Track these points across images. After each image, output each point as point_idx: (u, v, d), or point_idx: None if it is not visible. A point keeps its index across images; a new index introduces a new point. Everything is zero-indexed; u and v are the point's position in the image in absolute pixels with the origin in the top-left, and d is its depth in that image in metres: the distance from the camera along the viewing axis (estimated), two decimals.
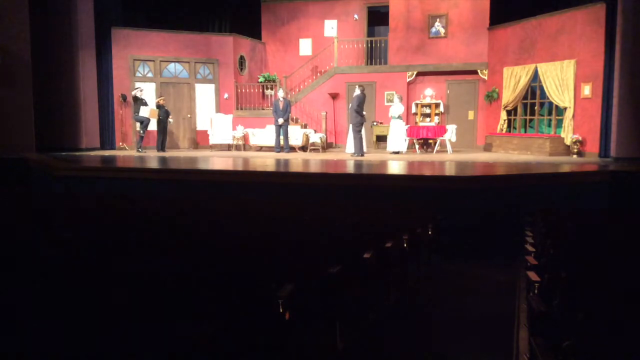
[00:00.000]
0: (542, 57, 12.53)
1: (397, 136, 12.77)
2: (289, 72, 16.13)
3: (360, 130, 12.05)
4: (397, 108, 12.76)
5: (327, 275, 2.83)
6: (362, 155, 12.00)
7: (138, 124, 13.57)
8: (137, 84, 14.55)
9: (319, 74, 16.17)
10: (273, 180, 8.62)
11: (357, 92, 12.07)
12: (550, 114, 12.82)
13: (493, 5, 14.02)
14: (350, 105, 12.39)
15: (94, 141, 14.06)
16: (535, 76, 12.79)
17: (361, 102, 11.97)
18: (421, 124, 13.91)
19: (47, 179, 9.91)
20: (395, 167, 9.93)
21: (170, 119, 14.09)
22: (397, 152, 12.65)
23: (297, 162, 10.98)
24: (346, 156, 12.16)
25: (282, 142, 13.25)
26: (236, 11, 16.42)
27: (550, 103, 12.60)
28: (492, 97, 13.99)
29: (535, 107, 13.11)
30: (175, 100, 14.96)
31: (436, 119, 14.22)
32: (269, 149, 13.72)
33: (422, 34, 14.76)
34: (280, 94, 13.18)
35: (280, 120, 12.93)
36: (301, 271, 2.81)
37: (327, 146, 14.18)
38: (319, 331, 2.80)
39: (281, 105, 12.95)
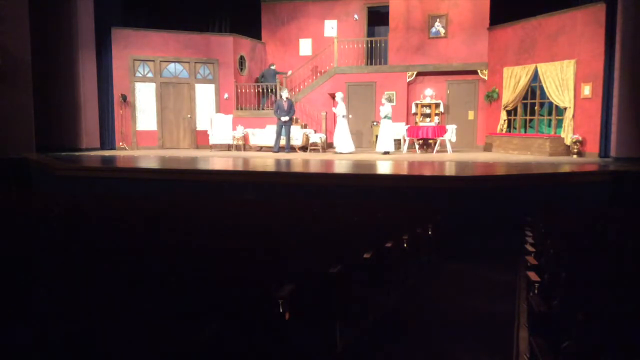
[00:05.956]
0: (542, 57, 12.53)
1: (385, 136, 12.75)
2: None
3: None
4: (385, 109, 12.75)
5: (327, 275, 2.84)
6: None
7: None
8: (137, 84, 14.57)
9: (319, 74, 16.17)
10: (273, 180, 8.62)
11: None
12: (550, 114, 12.82)
13: (493, 5, 14.02)
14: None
15: (94, 141, 14.05)
16: (535, 76, 12.79)
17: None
18: (421, 124, 13.90)
19: (47, 179, 9.91)
20: (395, 167, 9.93)
21: None
22: (387, 152, 12.64)
23: (297, 162, 10.98)
24: (346, 156, 12.17)
25: (282, 143, 13.24)
26: (236, 11, 16.41)
27: (550, 103, 12.60)
28: (492, 97, 13.99)
29: (535, 107, 13.10)
30: (175, 100, 14.97)
31: (436, 119, 14.22)
32: (269, 149, 13.71)
33: (422, 34, 14.76)
34: (284, 94, 13.19)
35: (286, 118, 12.93)
36: (301, 271, 2.81)
37: (327, 146, 14.17)
38: (319, 331, 2.80)
39: (285, 105, 12.97)
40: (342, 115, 12.92)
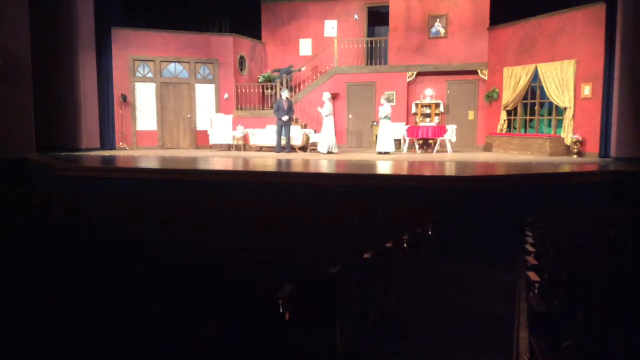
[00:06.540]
0: (542, 57, 12.53)
1: (385, 136, 12.76)
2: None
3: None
4: (384, 109, 12.76)
5: (327, 275, 2.84)
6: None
7: None
8: (137, 84, 14.56)
9: (319, 74, 16.16)
10: (273, 180, 8.62)
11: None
12: (550, 114, 12.82)
13: (493, 5, 14.02)
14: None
15: (94, 141, 14.05)
16: (535, 76, 12.79)
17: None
18: (421, 124, 13.91)
19: (47, 179, 9.91)
20: (395, 167, 9.93)
21: None
22: (387, 152, 12.64)
23: (297, 162, 10.98)
24: (346, 156, 12.17)
25: (283, 143, 13.25)
26: (236, 11, 16.41)
27: (550, 103, 12.60)
28: (492, 97, 13.99)
29: (535, 107, 13.10)
30: (175, 100, 14.97)
31: (436, 119, 14.22)
32: (269, 149, 13.72)
33: (422, 34, 14.76)
34: (284, 94, 13.20)
35: (285, 117, 12.94)
36: (301, 271, 2.81)
37: None
38: (319, 331, 2.80)
39: (285, 105, 13.00)
40: (325, 115, 12.94)
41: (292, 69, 15.85)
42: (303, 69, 16.03)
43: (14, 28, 11.33)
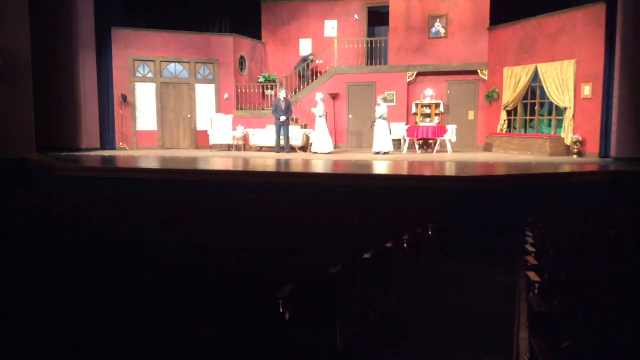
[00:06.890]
0: (542, 57, 12.53)
1: (381, 137, 12.76)
2: (289, 72, 16.13)
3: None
4: (380, 109, 12.78)
5: (327, 275, 2.83)
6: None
7: None
8: (137, 84, 14.56)
9: (319, 74, 16.16)
10: (273, 180, 8.62)
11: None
12: (550, 114, 12.82)
13: (493, 5, 14.01)
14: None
15: (94, 141, 14.06)
16: (535, 76, 12.79)
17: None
18: (421, 124, 13.91)
19: (47, 179, 9.91)
20: (395, 167, 9.93)
21: None
22: (386, 152, 12.64)
23: (297, 162, 10.99)
24: (346, 156, 12.17)
25: (282, 143, 13.27)
26: (236, 11, 16.41)
27: (550, 103, 12.60)
28: (492, 97, 13.99)
29: (535, 107, 13.10)
30: (175, 100, 14.97)
31: (436, 119, 14.21)
32: (269, 149, 13.73)
33: (422, 34, 14.75)
34: (282, 94, 13.22)
35: (283, 118, 12.95)
36: (301, 271, 2.81)
37: None
38: (319, 331, 2.80)
39: (283, 105, 13.01)
40: (319, 115, 12.97)
41: (310, 56, 15.94)
42: (316, 59, 16.23)
43: (14, 28, 11.32)
